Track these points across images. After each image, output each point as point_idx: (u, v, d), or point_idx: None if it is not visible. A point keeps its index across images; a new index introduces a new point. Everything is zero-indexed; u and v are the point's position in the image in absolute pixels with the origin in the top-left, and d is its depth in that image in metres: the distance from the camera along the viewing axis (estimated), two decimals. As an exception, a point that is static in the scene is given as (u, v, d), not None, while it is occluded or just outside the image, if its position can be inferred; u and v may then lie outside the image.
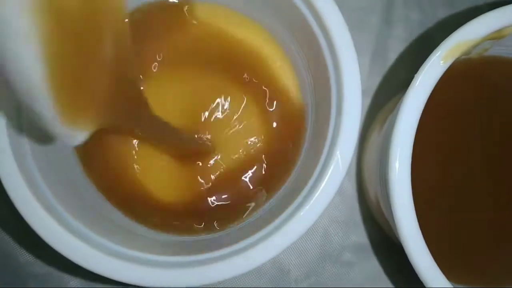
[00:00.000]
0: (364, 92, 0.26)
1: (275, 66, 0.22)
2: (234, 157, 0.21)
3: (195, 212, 0.21)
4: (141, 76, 0.21)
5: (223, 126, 0.21)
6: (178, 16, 0.22)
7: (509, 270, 0.20)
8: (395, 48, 0.26)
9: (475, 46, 0.18)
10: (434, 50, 0.17)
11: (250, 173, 0.21)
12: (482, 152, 0.21)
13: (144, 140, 0.21)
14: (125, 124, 0.18)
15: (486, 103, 0.21)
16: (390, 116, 0.20)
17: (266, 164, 0.21)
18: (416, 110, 0.16)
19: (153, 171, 0.21)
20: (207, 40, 0.22)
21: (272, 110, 0.21)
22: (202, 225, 0.21)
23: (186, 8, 0.22)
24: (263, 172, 0.21)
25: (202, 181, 0.21)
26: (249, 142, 0.21)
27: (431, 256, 0.16)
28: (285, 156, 0.21)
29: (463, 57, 0.21)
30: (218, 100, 0.21)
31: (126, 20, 0.14)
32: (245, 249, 0.17)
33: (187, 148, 0.21)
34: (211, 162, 0.21)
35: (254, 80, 0.22)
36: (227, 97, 0.21)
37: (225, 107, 0.21)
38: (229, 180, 0.21)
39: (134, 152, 0.21)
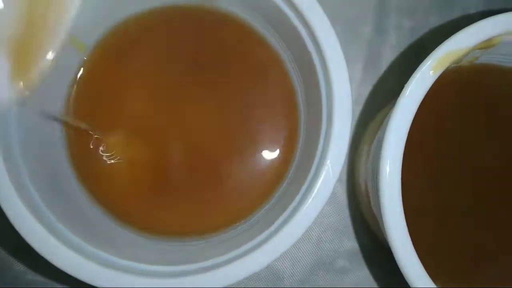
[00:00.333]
0: (356, 100, 0.26)
1: (267, 72, 0.22)
2: (223, 167, 0.21)
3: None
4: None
5: (211, 133, 0.22)
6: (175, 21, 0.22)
7: (495, 279, 0.21)
8: (387, 56, 0.26)
9: (465, 55, 0.18)
10: (424, 60, 0.17)
11: (240, 183, 0.21)
12: (473, 159, 0.21)
13: None
14: None
15: (477, 111, 0.22)
16: (381, 125, 0.20)
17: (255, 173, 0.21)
18: (405, 121, 0.17)
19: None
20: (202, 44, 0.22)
21: (262, 118, 0.21)
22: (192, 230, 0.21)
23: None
24: (253, 181, 0.21)
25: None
26: (240, 152, 0.21)
27: (418, 260, 0.16)
28: (276, 166, 0.21)
29: (453, 65, 0.22)
30: (206, 105, 0.22)
31: None
32: (237, 258, 0.17)
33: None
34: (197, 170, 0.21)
35: (245, 87, 0.22)
36: (217, 103, 0.22)
37: (213, 113, 0.22)
38: (221, 190, 0.21)
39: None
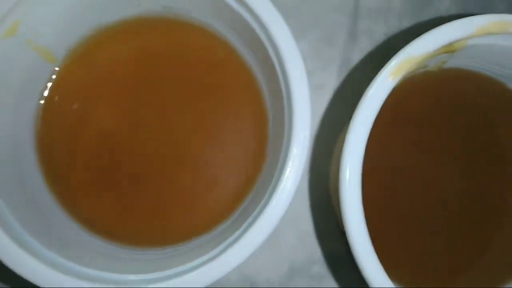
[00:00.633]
0: (332, 104, 0.26)
1: (238, 90, 0.22)
2: (190, 180, 0.21)
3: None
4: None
5: (178, 145, 0.22)
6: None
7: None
8: (360, 61, 0.26)
9: (425, 61, 0.18)
10: (382, 68, 0.17)
11: (206, 194, 0.21)
12: (436, 163, 0.21)
13: None
14: None
15: (444, 114, 0.22)
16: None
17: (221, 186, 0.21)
18: (364, 128, 0.17)
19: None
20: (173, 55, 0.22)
21: (229, 134, 0.22)
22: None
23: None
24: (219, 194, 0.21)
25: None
26: (206, 165, 0.22)
27: (377, 258, 0.16)
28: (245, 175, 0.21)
29: (421, 70, 0.22)
30: (173, 117, 0.22)
31: None
32: (204, 263, 0.17)
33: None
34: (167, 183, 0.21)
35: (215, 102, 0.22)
36: (184, 111, 0.22)
37: (181, 128, 0.22)
38: (186, 203, 0.21)
39: None
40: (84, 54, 0.22)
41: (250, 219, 0.17)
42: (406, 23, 0.26)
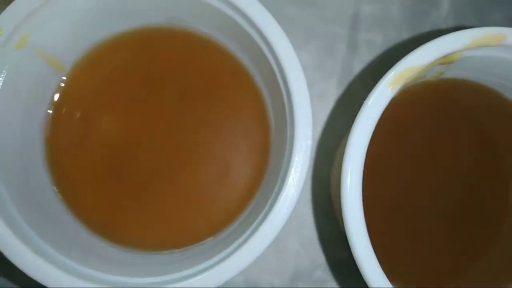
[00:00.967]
0: (332, 113, 0.27)
1: (241, 97, 0.22)
2: (194, 184, 0.22)
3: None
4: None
5: (184, 150, 0.22)
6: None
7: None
8: (360, 71, 0.27)
9: (423, 72, 0.19)
10: (381, 78, 0.18)
11: (211, 201, 0.22)
12: (436, 168, 0.22)
13: None
14: None
15: (442, 122, 0.22)
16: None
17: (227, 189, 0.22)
18: (364, 137, 0.17)
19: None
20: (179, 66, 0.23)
21: (235, 134, 0.22)
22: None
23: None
24: (225, 197, 0.22)
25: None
26: (211, 170, 0.22)
27: (376, 260, 0.17)
28: (248, 182, 0.22)
29: (420, 80, 0.22)
30: (179, 123, 0.22)
31: None
32: (209, 268, 0.18)
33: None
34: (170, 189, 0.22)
35: (219, 108, 0.22)
36: (191, 122, 0.22)
37: (186, 132, 0.22)
38: (190, 205, 0.22)
39: None
40: (91, 63, 0.23)
41: (253, 225, 0.18)
42: (405, 34, 0.27)
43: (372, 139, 0.18)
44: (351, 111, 0.26)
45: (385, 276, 0.17)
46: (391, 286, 0.17)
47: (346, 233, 0.17)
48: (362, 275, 0.17)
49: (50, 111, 0.23)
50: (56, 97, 0.23)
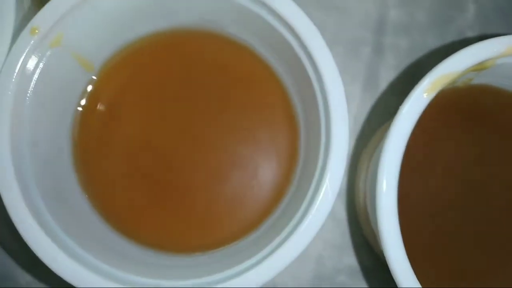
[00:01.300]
0: (356, 117, 0.27)
1: (269, 97, 0.23)
2: (223, 186, 0.22)
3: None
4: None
5: (214, 152, 0.22)
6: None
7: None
8: (386, 75, 0.27)
9: (458, 78, 0.19)
10: (417, 84, 0.18)
11: (240, 201, 0.22)
12: (468, 178, 0.22)
13: None
14: None
15: (472, 130, 0.22)
16: (379, 144, 0.21)
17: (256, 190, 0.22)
18: (400, 143, 0.17)
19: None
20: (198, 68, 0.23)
21: (264, 138, 0.22)
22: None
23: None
24: (254, 199, 0.22)
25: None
26: (239, 172, 0.22)
27: (415, 276, 0.17)
28: (276, 184, 0.22)
29: (449, 86, 0.22)
30: (209, 126, 0.22)
31: None
32: (239, 273, 0.18)
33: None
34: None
35: (248, 107, 0.22)
36: (219, 124, 0.22)
37: (215, 132, 0.22)
38: (221, 207, 0.22)
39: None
40: (121, 63, 0.23)
41: (287, 229, 0.18)
42: (430, 39, 0.27)
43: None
44: (375, 116, 0.27)
45: (416, 278, 0.17)
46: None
47: (379, 232, 0.17)
48: (393, 276, 0.17)
49: (79, 109, 0.23)
50: (85, 96, 0.23)
